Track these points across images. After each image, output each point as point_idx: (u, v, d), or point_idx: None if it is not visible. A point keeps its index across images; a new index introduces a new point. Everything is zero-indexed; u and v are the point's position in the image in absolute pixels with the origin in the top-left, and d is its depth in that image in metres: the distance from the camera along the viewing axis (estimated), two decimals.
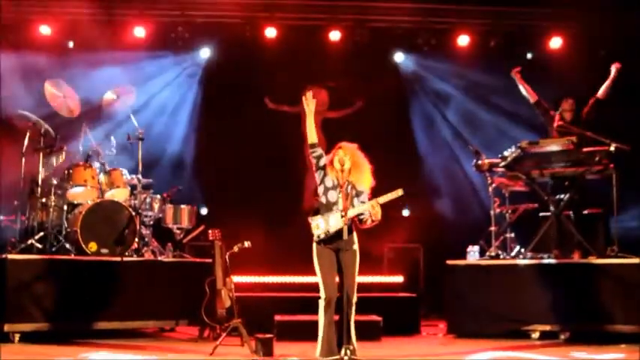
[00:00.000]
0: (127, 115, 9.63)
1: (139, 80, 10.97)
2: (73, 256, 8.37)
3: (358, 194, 6.62)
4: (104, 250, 8.48)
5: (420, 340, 8.76)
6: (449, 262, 8.92)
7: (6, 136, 9.51)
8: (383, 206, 6.48)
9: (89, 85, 10.27)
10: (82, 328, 8.02)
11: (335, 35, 11.46)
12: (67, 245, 8.54)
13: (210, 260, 8.08)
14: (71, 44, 11.19)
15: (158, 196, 9.31)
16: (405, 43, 11.75)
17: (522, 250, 9.03)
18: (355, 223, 6.62)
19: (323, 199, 6.66)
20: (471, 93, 11.84)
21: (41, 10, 10.95)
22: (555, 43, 11.41)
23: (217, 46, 11.66)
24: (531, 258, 8.70)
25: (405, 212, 12.00)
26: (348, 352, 6.37)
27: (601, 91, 9.07)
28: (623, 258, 8.31)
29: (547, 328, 8.33)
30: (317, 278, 6.60)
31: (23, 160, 8.75)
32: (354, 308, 6.55)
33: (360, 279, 6.67)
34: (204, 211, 11.50)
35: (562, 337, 8.32)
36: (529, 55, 11.63)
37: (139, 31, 11.14)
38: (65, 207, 8.82)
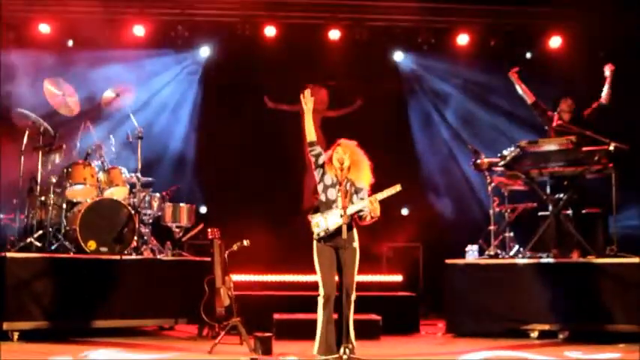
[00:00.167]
0: (127, 113, 9.62)
1: (139, 79, 10.96)
2: (72, 255, 8.36)
3: (357, 191, 6.62)
4: (103, 249, 8.48)
5: (419, 340, 8.75)
6: (448, 261, 8.93)
7: (5, 135, 9.50)
8: (382, 205, 6.49)
9: (89, 84, 10.28)
10: (81, 326, 8.01)
11: (334, 34, 11.45)
12: (66, 244, 8.54)
13: (209, 259, 8.09)
14: (71, 43, 11.18)
15: (157, 195, 9.30)
16: (404, 42, 11.74)
17: (521, 249, 9.03)
18: (355, 220, 6.63)
19: (322, 197, 6.66)
20: (470, 92, 11.84)
21: (41, 9, 10.95)
22: (555, 42, 11.41)
23: (217, 44, 11.66)
24: (530, 257, 8.70)
25: (405, 211, 12.00)
26: (347, 350, 6.38)
27: (605, 96, 9.02)
28: (622, 257, 8.31)
29: (546, 327, 8.33)
30: (316, 276, 6.61)
31: (22, 158, 8.74)
32: (353, 306, 6.56)
33: (359, 278, 6.68)
34: (203, 209, 11.50)
35: (561, 336, 8.32)
36: (528, 55, 11.63)
37: (139, 30, 11.14)
38: (64, 205, 8.81)
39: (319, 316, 6.56)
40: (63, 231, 8.66)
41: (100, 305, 8.09)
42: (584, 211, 8.98)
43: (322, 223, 6.55)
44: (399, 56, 11.99)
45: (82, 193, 8.87)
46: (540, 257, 8.65)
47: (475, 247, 9.29)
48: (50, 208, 8.71)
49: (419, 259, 11.04)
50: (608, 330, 8.09)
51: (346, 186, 6.57)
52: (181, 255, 9.15)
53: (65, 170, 8.84)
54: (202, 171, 11.65)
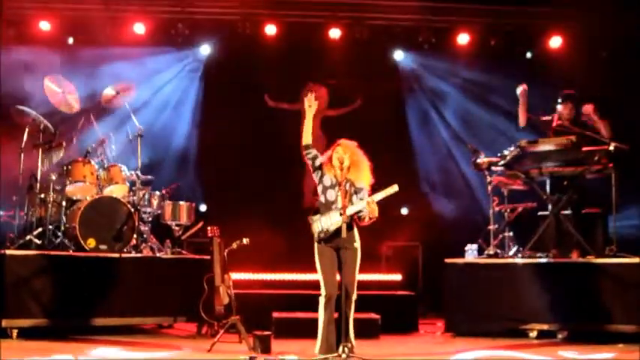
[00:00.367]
0: (129, 111, 9.60)
1: (141, 76, 10.95)
2: (71, 252, 8.36)
3: (357, 191, 6.63)
4: (103, 247, 8.48)
5: (418, 339, 8.75)
6: (447, 260, 8.92)
7: (5, 132, 9.49)
8: (382, 204, 6.49)
9: (89, 82, 10.27)
10: (81, 324, 8.01)
11: (335, 33, 11.44)
12: (66, 241, 8.53)
13: (208, 257, 8.09)
14: (71, 40, 11.18)
15: (157, 193, 9.30)
16: (405, 42, 11.74)
17: (521, 249, 9.03)
18: (356, 220, 6.63)
19: (322, 199, 6.67)
20: (470, 92, 11.83)
21: (41, 6, 10.95)
22: (555, 42, 11.41)
23: (217, 43, 11.65)
24: (529, 257, 8.69)
25: (404, 210, 12.00)
26: (347, 349, 6.39)
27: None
28: (622, 257, 8.31)
29: (545, 327, 8.33)
30: (317, 276, 6.61)
31: (22, 155, 8.74)
32: (353, 306, 6.57)
33: (358, 277, 6.67)
34: (202, 207, 11.50)
35: (560, 336, 8.33)
36: (529, 55, 11.64)
37: (139, 28, 11.13)
38: (64, 203, 8.81)
39: (320, 316, 6.57)
40: (62, 229, 8.65)
41: (100, 303, 8.09)
42: (583, 211, 8.97)
43: (322, 224, 6.56)
44: (399, 55, 11.98)
45: (81, 190, 8.87)
46: (540, 257, 8.65)
47: (474, 246, 9.28)
48: (50, 205, 8.71)
49: (418, 259, 11.03)
50: (608, 330, 8.08)
51: (346, 186, 6.58)
52: (181, 253, 9.15)
53: (65, 168, 8.84)
54: (202, 168, 11.64)
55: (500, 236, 9.35)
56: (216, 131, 11.56)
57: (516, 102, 9.14)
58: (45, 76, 9.30)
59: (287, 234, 10.48)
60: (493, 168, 9.12)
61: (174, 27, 11.26)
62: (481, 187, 10.43)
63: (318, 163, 6.73)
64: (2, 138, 9.54)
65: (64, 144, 9.03)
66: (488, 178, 9.21)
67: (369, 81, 11.82)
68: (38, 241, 8.45)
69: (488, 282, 8.62)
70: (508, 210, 9.51)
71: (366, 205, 6.48)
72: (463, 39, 11.52)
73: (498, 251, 9.06)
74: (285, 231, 10.56)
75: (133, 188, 9.09)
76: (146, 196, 9.12)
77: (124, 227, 8.61)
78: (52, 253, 8.22)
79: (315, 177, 6.74)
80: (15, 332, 7.65)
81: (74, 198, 8.92)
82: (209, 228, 8.00)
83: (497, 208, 9.42)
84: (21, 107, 8.90)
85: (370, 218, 6.56)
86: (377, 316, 8.53)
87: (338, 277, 6.60)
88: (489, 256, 8.97)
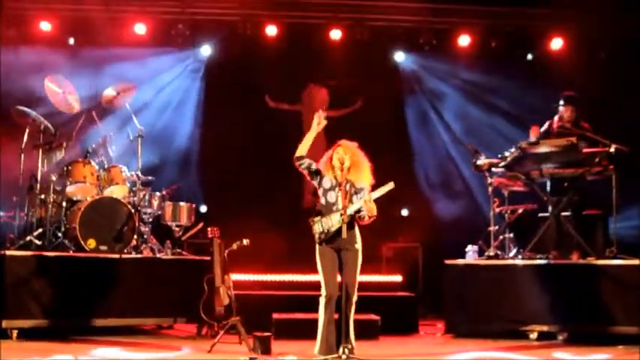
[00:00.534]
0: (131, 111, 9.60)
1: (142, 76, 10.95)
2: (71, 253, 8.36)
3: (357, 192, 6.63)
4: (103, 247, 8.48)
5: (418, 340, 8.75)
6: (447, 261, 8.92)
7: (5, 133, 9.49)
8: (382, 204, 6.49)
9: (90, 82, 10.27)
10: (81, 324, 8.00)
11: (336, 34, 11.45)
12: (66, 242, 8.53)
13: (208, 258, 8.09)
14: (72, 41, 11.18)
15: (157, 194, 9.30)
16: (405, 43, 11.74)
17: (521, 250, 9.03)
18: (357, 220, 6.63)
19: (323, 201, 6.68)
20: (471, 93, 11.83)
21: (42, 7, 10.95)
22: (556, 44, 11.42)
23: (218, 44, 11.65)
24: (530, 258, 8.69)
25: (404, 212, 12.00)
26: (347, 350, 6.39)
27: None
28: (622, 259, 8.31)
29: (545, 328, 8.32)
30: (316, 276, 6.62)
31: (22, 156, 8.74)
32: (353, 307, 6.57)
33: (358, 278, 6.67)
34: (203, 208, 11.49)
35: (560, 337, 8.32)
36: (529, 56, 11.64)
37: (140, 28, 11.13)
38: (64, 203, 8.80)
39: (320, 316, 6.57)
40: (63, 229, 8.65)
41: (100, 304, 8.08)
42: (584, 213, 8.98)
43: (322, 225, 6.57)
44: (400, 56, 11.99)
45: (82, 191, 8.87)
46: (540, 258, 8.65)
47: (475, 247, 9.30)
48: (50, 206, 8.70)
49: (418, 260, 11.02)
50: (608, 332, 8.09)
51: (346, 187, 6.58)
52: (181, 254, 9.14)
53: (65, 168, 8.84)
54: (203, 169, 11.64)
55: (501, 237, 9.35)
56: (216, 132, 11.56)
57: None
58: (45, 77, 9.30)
59: (287, 235, 10.47)
60: (493, 169, 9.11)
61: (174, 27, 11.27)
62: (481, 188, 10.43)
63: (314, 167, 6.72)
64: (2, 138, 9.54)
65: (65, 144, 9.02)
66: (489, 180, 9.21)
67: (370, 82, 11.81)
68: (38, 242, 8.44)
69: (488, 283, 8.62)
70: (508, 211, 9.51)
71: (364, 203, 6.48)
72: (464, 40, 11.53)
73: (499, 252, 9.05)
74: (285, 232, 10.56)
75: (134, 189, 9.08)
76: (146, 197, 9.11)
77: (125, 228, 8.61)
78: (53, 253, 8.20)
79: (315, 182, 6.74)
80: (15, 333, 7.65)
81: (74, 198, 8.91)
82: (209, 229, 8.00)
83: (497, 210, 9.42)
84: (21, 108, 8.90)
85: (370, 217, 6.56)
86: (377, 317, 8.52)
87: (339, 278, 6.61)
88: (490, 257, 8.96)
